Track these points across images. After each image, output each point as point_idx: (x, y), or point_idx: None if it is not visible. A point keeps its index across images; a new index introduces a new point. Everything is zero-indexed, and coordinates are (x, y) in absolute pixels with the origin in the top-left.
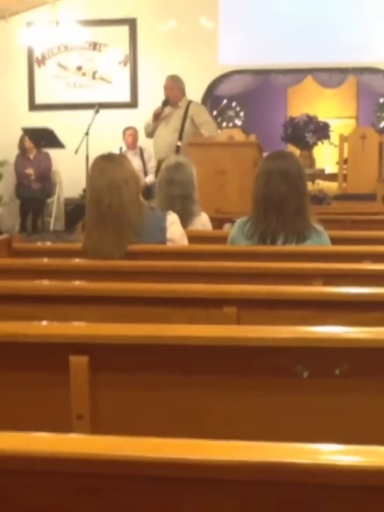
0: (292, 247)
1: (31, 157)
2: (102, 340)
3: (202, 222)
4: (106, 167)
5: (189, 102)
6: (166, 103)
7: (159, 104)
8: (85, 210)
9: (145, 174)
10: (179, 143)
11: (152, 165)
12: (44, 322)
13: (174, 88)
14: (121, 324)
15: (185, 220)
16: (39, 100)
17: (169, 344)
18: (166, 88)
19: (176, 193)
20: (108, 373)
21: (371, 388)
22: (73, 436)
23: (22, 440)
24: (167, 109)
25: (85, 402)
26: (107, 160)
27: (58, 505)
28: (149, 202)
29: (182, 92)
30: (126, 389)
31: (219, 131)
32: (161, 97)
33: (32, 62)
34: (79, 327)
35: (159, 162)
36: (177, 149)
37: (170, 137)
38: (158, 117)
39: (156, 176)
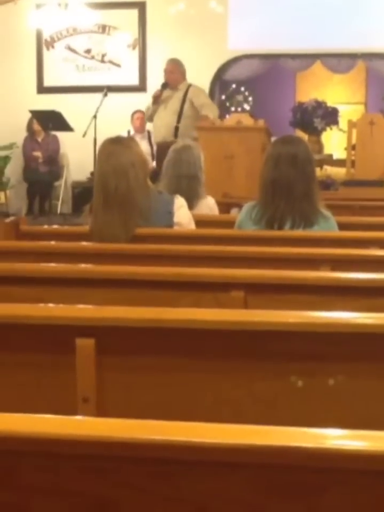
0: (299, 232)
1: (39, 139)
2: (108, 322)
3: (209, 205)
4: (113, 150)
5: (189, 85)
6: (165, 86)
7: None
8: (93, 194)
9: (153, 157)
10: (178, 125)
11: None
12: (50, 305)
13: (175, 71)
14: (128, 307)
15: (191, 201)
16: (47, 82)
17: (175, 327)
18: (167, 71)
19: (183, 173)
20: (114, 356)
21: (379, 372)
22: (78, 418)
23: (28, 422)
24: (167, 92)
25: (90, 385)
26: (115, 144)
27: (63, 487)
28: (156, 185)
29: (183, 76)
30: (132, 372)
31: (228, 116)
32: None
33: (41, 45)
34: (85, 310)
35: (158, 145)
36: (176, 131)
37: (168, 119)
38: (157, 99)
39: (153, 158)
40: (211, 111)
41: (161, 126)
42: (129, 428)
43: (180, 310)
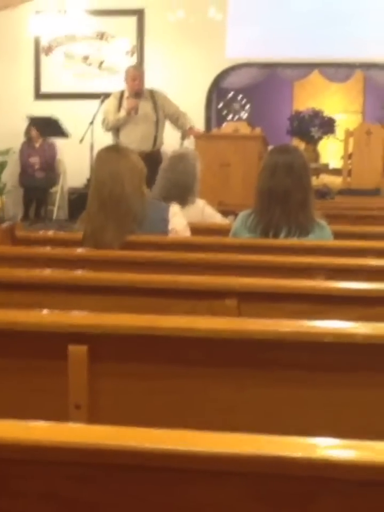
0: (294, 241)
1: (37, 145)
2: (101, 329)
3: (198, 208)
4: (110, 157)
5: (151, 91)
6: (138, 95)
7: (166, 94)
8: (87, 201)
9: None
10: (156, 135)
11: None
12: (43, 311)
13: (142, 77)
14: (121, 314)
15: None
16: (45, 88)
17: (168, 335)
18: (134, 78)
19: (176, 182)
20: (106, 363)
21: (372, 382)
22: (70, 425)
23: (20, 429)
24: (132, 101)
25: (83, 392)
26: (111, 152)
27: (55, 494)
28: (149, 191)
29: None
30: (125, 380)
31: (224, 124)
32: (166, 88)
33: (39, 51)
34: (78, 317)
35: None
36: (155, 140)
37: (146, 129)
38: (137, 111)
39: None
40: (187, 119)
41: (137, 137)
42: (121, 435)
43: (173, 318)
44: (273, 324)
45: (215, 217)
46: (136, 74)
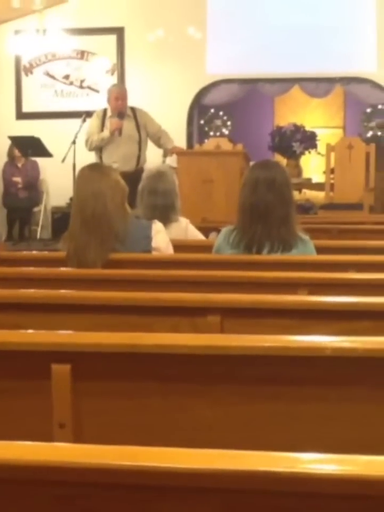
0: (277, 256)
1: (19, 165)
2: (84, 348)
3: (180, 227)
4: (92, 176)
5: (133, 109)
6: (121, 115)
7: (147, 112)
8: (70, 219)
9: None
10: (139, 153)
11: None
12: (26, 331)
13: (125, 97)
14: (103, 332)
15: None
16: (26, 108)
17: (152, 352)
18: (119, 98)
19: (159, 203)
20: (90, 381)
21: (355, 396)
22: (55, 444)
23: (3, 449)
24: (116, 120)
25: (67, 411)
26: (93, 170)
27: None
28: (133, 211)
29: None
30: (109, 398)
31: (206, 140)
32: (148, 106)
33: (20, 71)
34: (61, 336)
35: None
36: (138, 160)
37: (128, 149)
38: (120, 132)
39: None
40: (169, 139)
41: (119, 157)
42: (106, 454)
43: (155, 335)
44: (256, 340)
45: (198, 237)
46: (119, 93)
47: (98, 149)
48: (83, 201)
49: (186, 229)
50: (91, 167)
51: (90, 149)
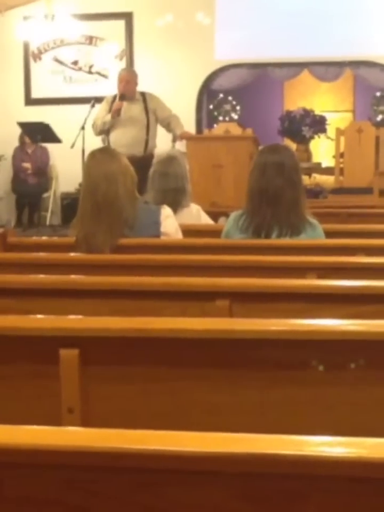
0: (286, 241)
1: (29, 151)
2: (92, 333)
3: (192, 213)
4: (104, 159)
5: (143, 94)
6: (123, 97)
7: (159, 97)
8: (79, 203)
9: None
10: (147, 138)
11: None
12: (35, 316)
13: (133, 80)
14: (112, 317)
15: (173, 211)
16: (35, 94)
17: (160, 337)
18: (124, 81)
19: (170, 186)
20: (98, 366)
21: (365, 380)
22: (63, 428)
23: (13, 433)
24: (124, 104)
25: (75, 395)
26: (104, 153)
27: (48, 498)
28: (143, 196)
29: (137, 85)
30: (117, 382)
31: (215, 125)
32: (157, 91)
33: (28, 57)
34: (69, 321)
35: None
36: (146, 144)
37: (136, 133)
38: (119, 113)
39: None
40: (179, 124)
41: (127, 141)
42: (114, 438)
43: (164, 319)
44: (265, 324)
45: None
46: (124, 76)
47: (106, 133)
48: (94, 183)
49: (198, 215)
50: (102, 151)
51: (96, 133)
